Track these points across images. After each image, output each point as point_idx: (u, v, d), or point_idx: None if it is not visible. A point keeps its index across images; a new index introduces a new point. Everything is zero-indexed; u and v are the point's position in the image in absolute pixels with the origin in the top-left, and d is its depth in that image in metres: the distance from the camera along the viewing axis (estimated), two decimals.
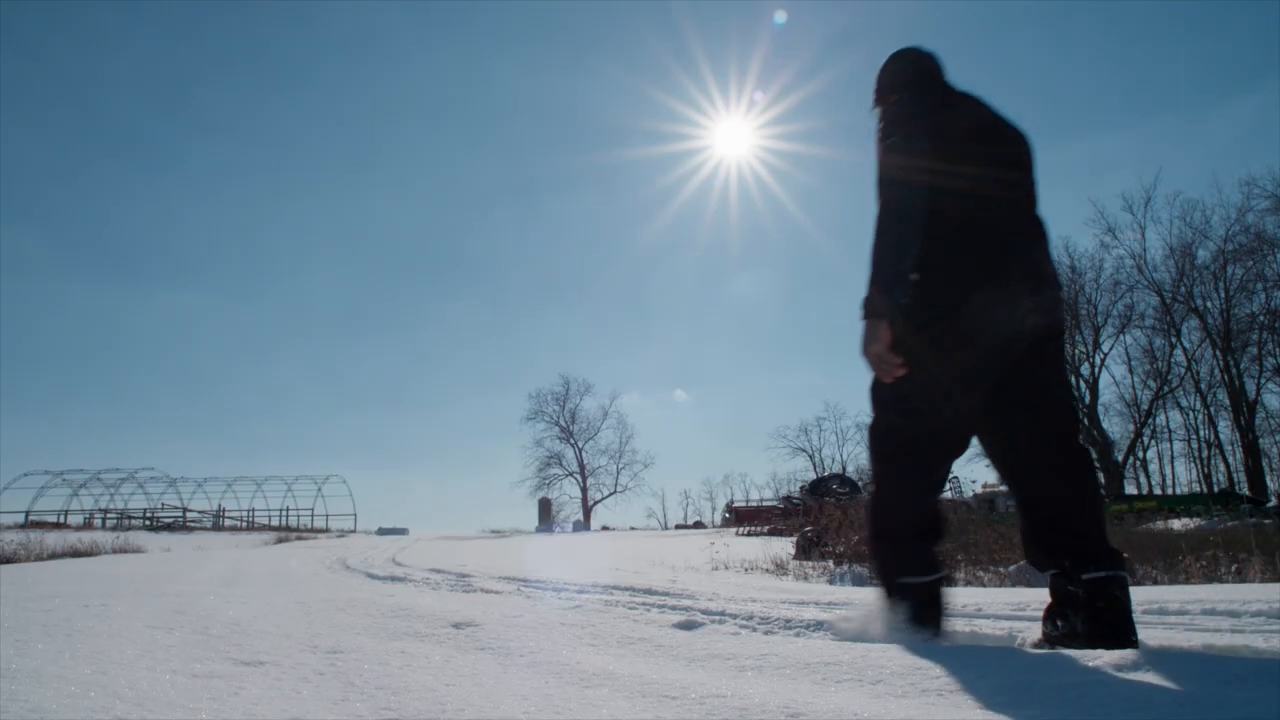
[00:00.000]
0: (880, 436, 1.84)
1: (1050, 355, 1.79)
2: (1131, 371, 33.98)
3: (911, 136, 1.76)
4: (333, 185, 60.47)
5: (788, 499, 28.17)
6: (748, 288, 62.41)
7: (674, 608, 2.95)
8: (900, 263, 1.71)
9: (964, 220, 1.74)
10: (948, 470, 1.86)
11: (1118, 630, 1.61)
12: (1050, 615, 1.74)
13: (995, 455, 1.84)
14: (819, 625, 2.19)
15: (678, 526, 42.65)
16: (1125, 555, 1.75)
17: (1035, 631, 1.87)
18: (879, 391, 1.82)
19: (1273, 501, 23.17)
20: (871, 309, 1.71)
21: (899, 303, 1.71)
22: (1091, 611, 1.63)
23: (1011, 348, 1.72)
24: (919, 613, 1.74)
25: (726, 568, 6.99)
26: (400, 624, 2.21)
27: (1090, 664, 1.40)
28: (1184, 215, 31.25)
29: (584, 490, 45.57)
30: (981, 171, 1.76)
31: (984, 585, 5.16)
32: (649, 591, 3.75)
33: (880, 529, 1.84)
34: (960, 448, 1.81)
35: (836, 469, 42.21)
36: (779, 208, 49.50)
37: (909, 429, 1.78)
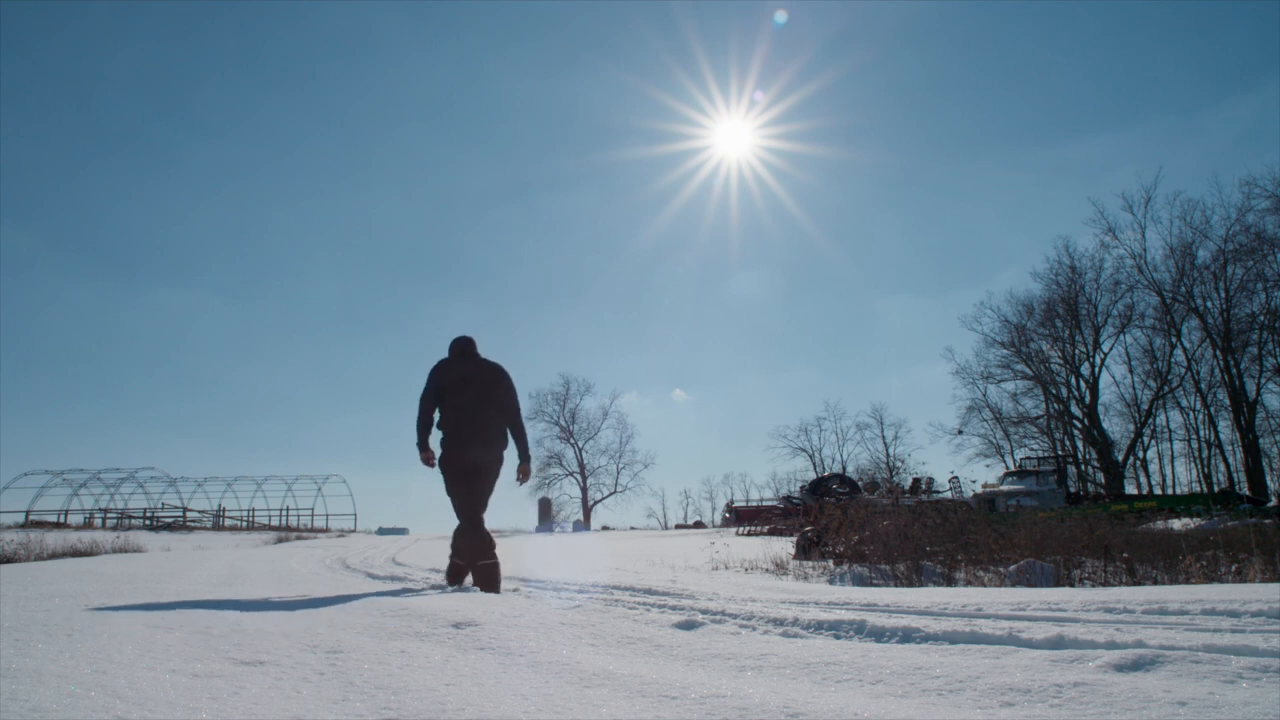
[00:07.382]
0: (451, 500, 4.18)
1: (485, 472, 4.18)
2: (1131, 371, 34.02)
3: (431, 373, 4.21)
4: (332, 185, 60.42)
5: (788, 499, 28.18)
6: (747, 287, 62.22)
7: (674, 608, 2.95)
8: (421, 428, 4.14)
9: (453, 409, 4.14)
10: (477, 496, 4.16)
11: (496, 588, 3.97)
12: (452, 579, 4.26)
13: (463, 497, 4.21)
14: (819, 626, 2.19)
15: (678, 526, 42.62)
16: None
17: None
18: (447, 487, 4.20)
19: (1273, 501, 23.18)
20: (418, 445, 4.14)
21: (429, 447, 4.16)
22: (484, 577, 4.00)
23: (470, 466, 4.14)
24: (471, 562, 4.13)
25: (726, 568, 7.00)
26: (400, 624, 2.21)
27: (1090, 664, 1.40)
28: (1184, 215, 31.26)
29: (584, 490, 45.59)
30: (462, 392, 4.15)
31: (984, 585, 5.17)
32: (649, 591, 3.76)
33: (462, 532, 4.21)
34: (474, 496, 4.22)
35: (836, 469, 42.21)
36: (779, 208, 49.55)
37: (453, 497, 4.16)
